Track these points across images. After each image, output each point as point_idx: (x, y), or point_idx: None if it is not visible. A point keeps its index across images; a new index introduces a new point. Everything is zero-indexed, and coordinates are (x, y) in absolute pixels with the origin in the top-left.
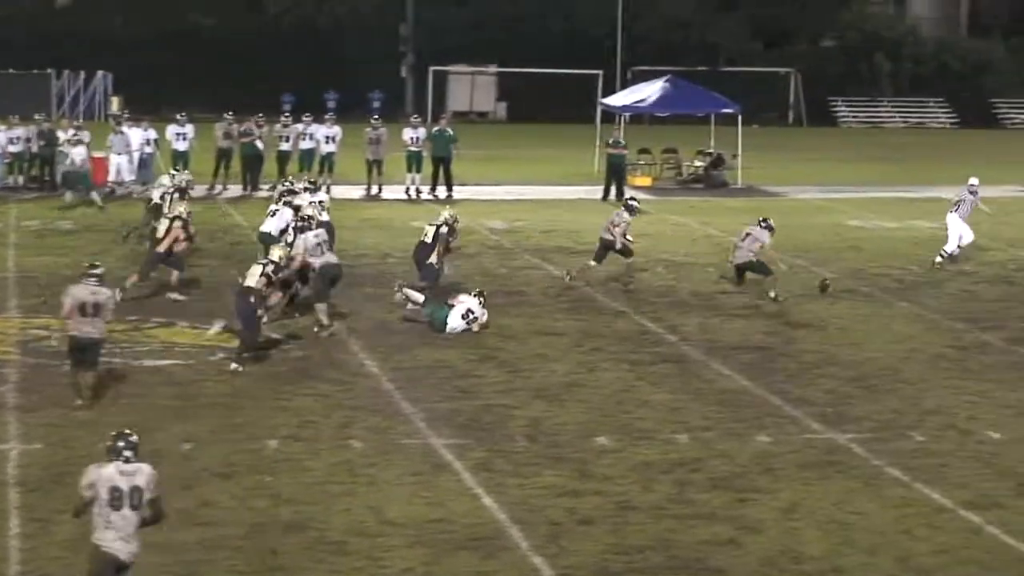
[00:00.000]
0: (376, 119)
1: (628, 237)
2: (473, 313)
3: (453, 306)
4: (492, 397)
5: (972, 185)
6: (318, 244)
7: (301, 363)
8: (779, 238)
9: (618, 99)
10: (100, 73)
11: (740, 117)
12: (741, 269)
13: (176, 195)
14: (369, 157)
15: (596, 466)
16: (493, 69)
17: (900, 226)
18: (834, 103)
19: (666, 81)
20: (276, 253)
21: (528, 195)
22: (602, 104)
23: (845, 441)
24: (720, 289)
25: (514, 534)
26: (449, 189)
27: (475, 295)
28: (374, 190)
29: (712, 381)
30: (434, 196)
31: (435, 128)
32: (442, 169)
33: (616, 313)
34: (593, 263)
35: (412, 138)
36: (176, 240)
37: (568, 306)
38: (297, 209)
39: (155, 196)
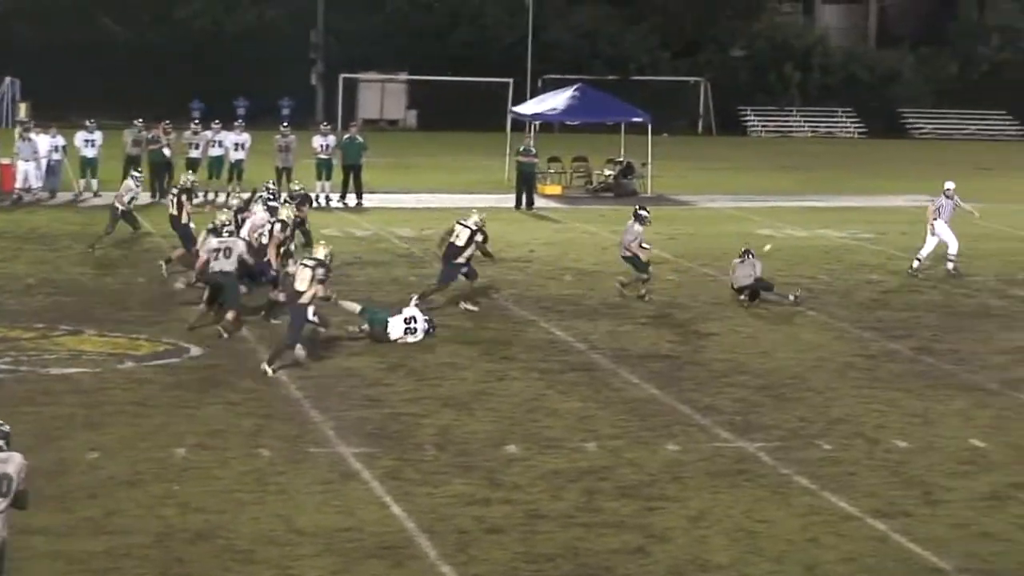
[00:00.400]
0: (286, 126)
1: (645, 245)
2: (415, 322)
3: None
4: (401, 406)
5: (948, 189)
6: (217, 249)
7: (210, 371)
8: (689, 247)
9: (528, 107)
10: (8, 79)
11: (650, 126)
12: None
13: (184, 196)
14: (278, 165)
15: (505, 475)
16: (403, 77)
17: (809, 235)
18: (743, 112)
19: (576, 90)
20: (321, 252)
21: (438, 203)
22: (512, 112)
23: (754, 449)
24: (630, 297)
25: (423, 543)
26: (359, 197)
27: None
28: (283, 198)
29: (621, 390)
30: (344, 204)
31: (345, 136)
32: (352, 177)
33: (525, 322)
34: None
35: (322, 146)
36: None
37: (477, 315)
38: (274, 211)
39: (124, 202)
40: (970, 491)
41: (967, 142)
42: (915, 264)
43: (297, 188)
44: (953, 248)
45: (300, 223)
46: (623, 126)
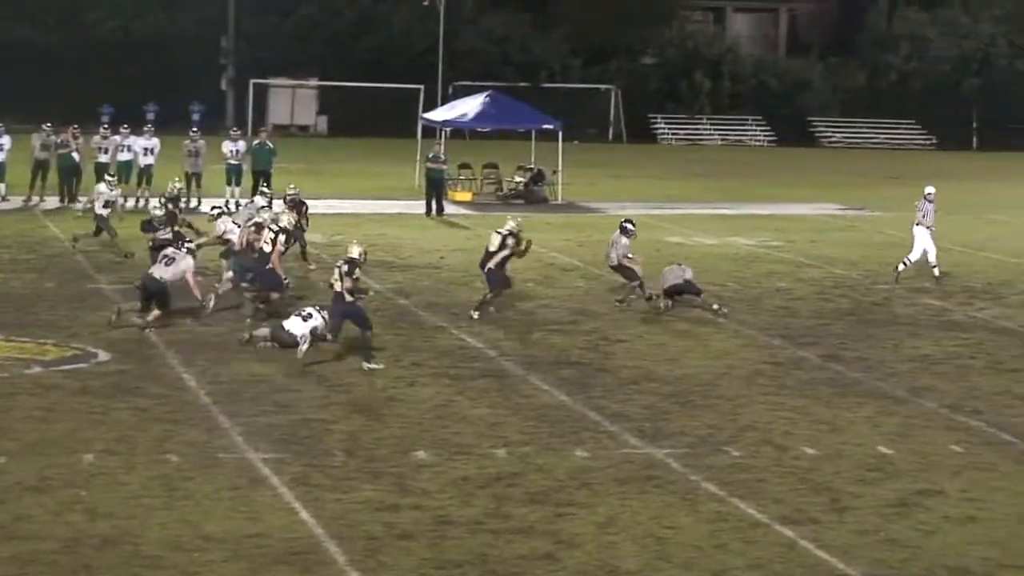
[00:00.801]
0: (195, 132)
1: (630, 255)
2: (312, 318)
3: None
4: (310, 412)
5: (929, 193)
6: (163, 256)
7: (118, 377)
8: (599, 255)
9: (439, 114)
10: None
11: (560, 133)
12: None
13: (170, 205)
14: (188, 170)
15: (414, 481)
16: (314, 83)
17: (719, 242)
18: (654, 120)
19: (487, 96)
20: (355, 250)
21: (349, 209)
22: (423, 119)
23: (662, 456)
24: (540, 304)
25: (331, 549)
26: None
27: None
28: (193, 203)
29: (531, 396)
30: None
31: (255, 141)
32: (262, 182)
33: (435, 328)
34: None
35: (232, 151)
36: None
37: (387, 321)
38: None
39: (98, 207)
40: (877, 498)
41: (876, 151)
42: (900, 268)
43: (292, 191)
44: (931, 255)
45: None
46: (534, 133)
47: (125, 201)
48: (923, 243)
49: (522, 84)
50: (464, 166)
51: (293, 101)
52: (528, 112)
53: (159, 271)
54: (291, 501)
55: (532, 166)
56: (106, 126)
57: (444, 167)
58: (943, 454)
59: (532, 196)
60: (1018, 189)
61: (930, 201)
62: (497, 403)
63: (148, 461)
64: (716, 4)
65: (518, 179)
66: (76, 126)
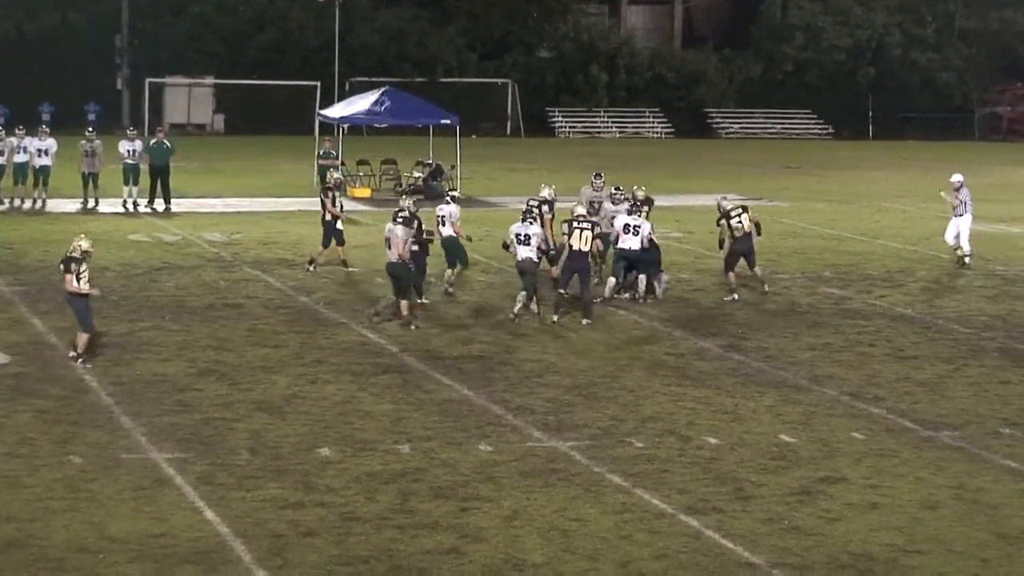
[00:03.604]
0: (91, 131)
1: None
2: None
3: None
4: (213, 410)
5: (957, 182)
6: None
7: (17, 379)
8: (493, 250)
9: (336, 111)
10: None
11: (458, 128)
12: None
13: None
14: (84, 170)
15: (319, 478)
16: (210, 81)
17: None
18: (551, 113)
19: (383, 93)
20: (84, 243)
21: (247, 207)
22: (320, 115)
23: (566, 448)
24: (444, 300)
25: (237, 547)
26: (167, 202)
27: None
28: (90, 203)
29: (433, 391)
30: (152, 209)
31: (152, 140)
32: (160, 182)
33: (337, 324)
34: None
35: (129, 151)
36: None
37: (289, 318)
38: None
39: None
40: (780, 486)
41: (773, 141)
42: (959, 252)
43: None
44: (965, 243)
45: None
46: (431, 128)
47: (22, 202)
48: (959, 227)
49: (419, 79)
50: (362, 162)
51: (189, 100)
52: (425, 107)
53: (390, 255)
54: (195, 500)
55: (430, 161)
56: (0, 127)
57: (335, 163)
58: (845, 441)
59: (431, 191)
60: (912, 178)
61: (956, 189)
62: (400, 399)
63: (51, 463)
64: None
65: (416, 174)
66: None
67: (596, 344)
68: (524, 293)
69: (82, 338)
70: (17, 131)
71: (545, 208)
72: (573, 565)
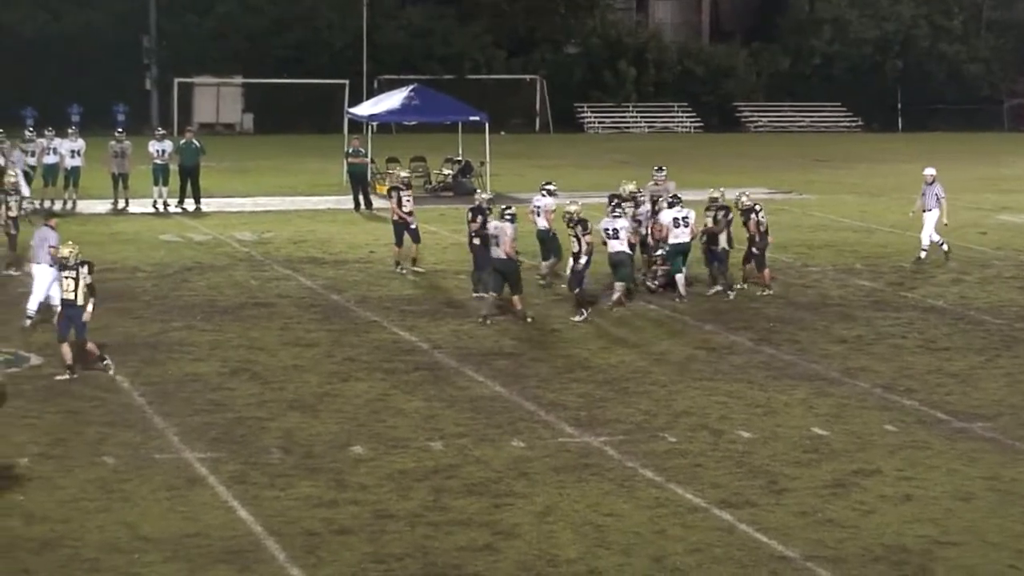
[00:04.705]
0: (120, 132)
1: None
2: None
3: None
4: (245, 410)
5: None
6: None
7: (50, 380)
8: (532, 244)
9: (364, 108)
10: None
11: (487, 124)
12: None
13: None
14: (114, 171)
15: (352, 475)
16: (238, 80)
17: None
18: (580, 109)
19: (411, 90)
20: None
21: (276, 206)
22: (349, 114)
23: (599, 444)
24: (474, 296)
25: (271, 546)
26: (197, 202)
27: None
28: (120, 204)
29: (466, 388)
30: (182, 209)
31: (182, 140)
32: (190, 182)
33: (368, 323)
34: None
35: (158, 151)
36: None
37: (320, 317)
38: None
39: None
40: (813, 479)
41: (802, 134)
42: (943, 247)
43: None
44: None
45: None
46: (460, 125)
47: (52, 204)
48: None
49: (446, 77)
50: (392, 160)
51: (218, 99)
52: (453, 104)
53: (496, 252)
54: (229, 500)
55: (459, 158)
56: (31, 129)
57: (365, 161)
58: (878, 434)
59: (460, 188)
60: (940, 169)
61: (929, 183)
62: (432, 396)
63: (84, 464)
64: None
65: (446, 171)
66: (0, 130)
67: (627, 340)
68: (621, 284)
69: (89, 345)
70: (47, 132)
71: (628, 204)
72: (607, 560)
